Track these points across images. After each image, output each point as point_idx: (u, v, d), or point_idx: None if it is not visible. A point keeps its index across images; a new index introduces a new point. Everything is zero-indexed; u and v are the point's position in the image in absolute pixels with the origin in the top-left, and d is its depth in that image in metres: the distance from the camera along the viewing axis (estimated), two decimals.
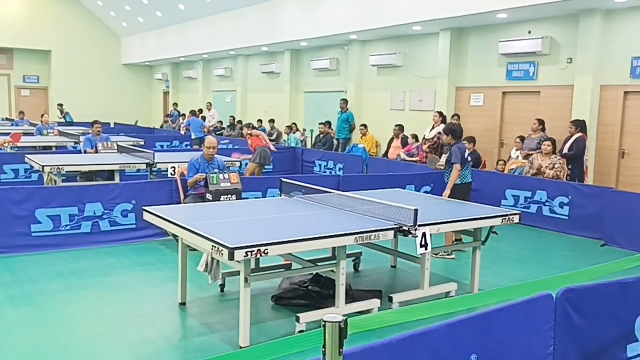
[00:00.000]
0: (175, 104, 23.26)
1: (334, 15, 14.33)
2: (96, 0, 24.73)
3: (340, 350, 2.02)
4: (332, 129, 15.57)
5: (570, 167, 9.70)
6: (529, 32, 11.37)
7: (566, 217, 8.77)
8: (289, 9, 16.07)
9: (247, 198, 7.67)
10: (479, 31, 12.37)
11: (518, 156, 10.63)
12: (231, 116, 19.97)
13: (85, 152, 10.78)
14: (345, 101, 15.20)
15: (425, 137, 12.52)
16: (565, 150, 9.82)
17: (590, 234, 8.44)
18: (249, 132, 12.05)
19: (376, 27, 13.15)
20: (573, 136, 9.83)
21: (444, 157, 11.78)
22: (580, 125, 9.90)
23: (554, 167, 9.42)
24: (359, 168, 12.30)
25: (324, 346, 2.04)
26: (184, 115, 21.76)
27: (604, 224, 8.29)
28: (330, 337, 2.01)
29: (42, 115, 16.04)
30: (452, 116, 12.16)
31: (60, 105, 22.67)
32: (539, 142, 10.09)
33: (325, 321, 2.05)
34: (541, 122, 10.49)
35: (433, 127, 12.41)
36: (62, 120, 21.56)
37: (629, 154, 10.11)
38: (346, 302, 4.97)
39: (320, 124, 15.68)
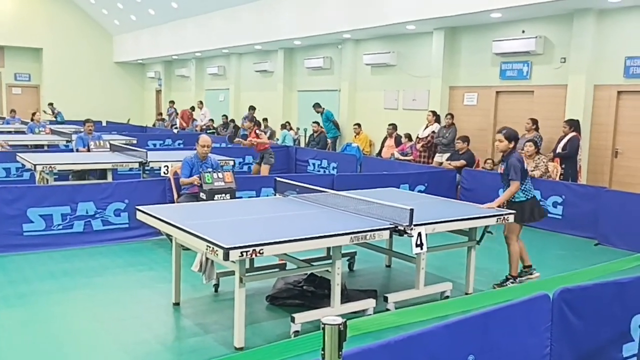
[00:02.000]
0: (172, 102, 23.07)
1: (327, 14, 14.29)
2: None
3: (340, 353, 2.00)
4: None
5: (564, 166, 9.73)
6: (523, 31, 11.38)
7: (560, 217, 8.79)
8: (282, 7, 16.02)
9: (241, 197, 7.64)
10: (473, 30, 12.37)
11: None
12: (224, 115, 19.89)
13: (77, 150, 10.70)
14: (317, 104, 15.24)
15: (419, 136, 12.52)
16: (559, 150, 9.85)
17: (584, 233, 8.46)
18: (258, 131, 11.69)
19: (370, 26, 13.13)
20: (567, 136, 9.85)
21: (438, 156, 11.90)
22: (574, 124, 9.92)
23: (537, 166, 9.36)
24: (353, 167, 12.29)
25: (323, 349, 2.01)
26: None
27: (597, 223, 8.30)
28: (329, 340, 1.98)
29: (33, 114, 15.93)
30: (446, 115, 12.16)
31: (51, 104, 22.51)
32: None
33: (324, 324, 2.02)
34: (535, 121, 10.50)
35: (427, 127, 12.42)
36: (54, 119, 21.40)
37: (622, 153, 10.14)
38: (341, 302, 4.95)
39: (313, 123, 15.66)
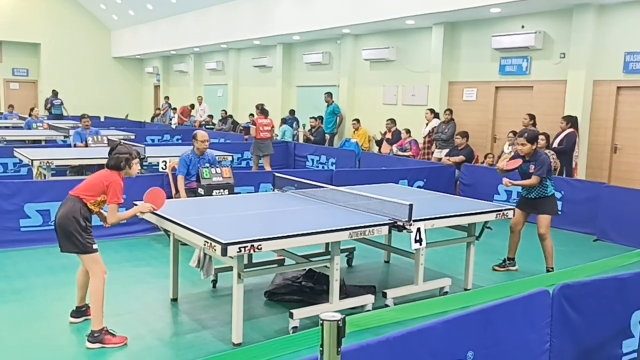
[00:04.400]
0: (166, 97, 23.08)
1: (326, 9, 14.24)
2: None
3: (339, 349, 1.97)
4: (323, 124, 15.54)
5: (559, 161, 9.70)
6: (523, 26, 11.34)
7: (559, 212, 8.74)
8: (281, 1, 15.96)
9: (239, 193, 7.61)
10: (473, 26, 12.33)
11: (510, 151, 10.60)
12: (223, 110, 19.84)
13: (75, 146, 10.66)
14: (329, 94, 15.22)
15: (424, 135, 12.45)
16: (555, 145, 9.81)
17: (583, 229, 8.45)
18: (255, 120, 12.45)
19: (369, 21, 13.08)
20: (564, 131, 9.83)
21: (437, 152, 11.86)
22: (571, 121, 9.90)
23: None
24: (352, 163, 12.27)
25: (321, 345, 1.99)
26: (174, 109, 21.63)
27: (596, 219, 8.30)
28: (328, 336, 1.96)
29: (31, 109, 15.89)
30: (445, 111, 12.13)
31: (55, 93, 22.32)
32: None
33: (323, 320, 1.99)
34: (532, 117, 10.45)
35: (427, 125, 12.39)
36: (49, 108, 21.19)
37: (621, 149, 10.12)
38: (340, 298, 4.93)
39: (311, 118, 15.62)
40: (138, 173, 4.89)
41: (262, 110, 12.43)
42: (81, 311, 4.84)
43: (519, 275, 6.51)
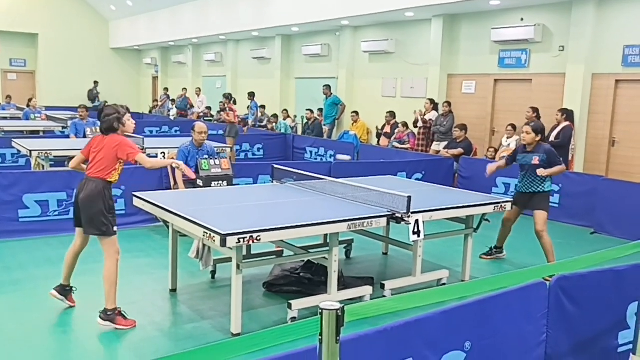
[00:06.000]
0: (166, 89, 23.06)
1: (325, 1, 14.19)
2: None
3: (337, 338, 1.99)
4: (321, 116, 15.53)
5: None
6: (522, 19, 11.32)
7: (557, 205, 8.78)
8: None
9: (238, 184, 7.62)
10: (472, 18, 12.31)
11: (509, 144, 10.62)
12: (221, 102, 19.78)
13: (69, 137, 10.66)
14: (328, 87, 15.20)
15: (429, 119, 12.43)
16: (551, 139, 9.80)
17: (581, 222, 8.49)
18: (230, 106, 13.38)
19: (368, 12, 13.04)
20: (560, 125, 9.82)
21: (436, 144, 11.88)
22: (568, 114, 9.90)
23: None
24: (350, 155, 12.27)
25: (320, 334, 2.01)
26: (173, 100, 21.58)
27: (594, 212, 8.33)
28: (327, 325, 1.97)
29: (29, 100, 15.86)
30: (444, 103, 12.13)
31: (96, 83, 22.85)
32: None
33: (322, 309, 2.01)
34: (535, 110, 10.41)
35: (424, 114, 12.38)
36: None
37: (619, 142, 10.13)
38: (338, 289, 4.95)
39: (307, 110, 15.60)
40: (134, 128, 5.02)
41: (233, 99, 13.79)
42: (65, 290, 4.89)
43: (515, 267, 6.54)
